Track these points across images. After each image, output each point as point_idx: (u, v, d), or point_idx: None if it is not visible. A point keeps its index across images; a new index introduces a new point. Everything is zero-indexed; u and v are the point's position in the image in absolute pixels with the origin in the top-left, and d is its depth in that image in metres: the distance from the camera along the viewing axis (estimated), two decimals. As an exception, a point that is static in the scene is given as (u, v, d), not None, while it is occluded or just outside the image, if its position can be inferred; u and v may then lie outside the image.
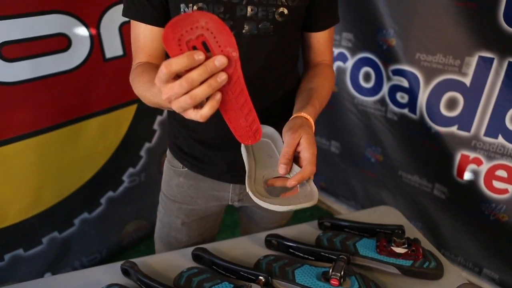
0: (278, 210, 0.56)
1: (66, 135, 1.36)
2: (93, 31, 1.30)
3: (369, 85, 1.60)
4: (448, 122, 1.36)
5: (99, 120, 1.43)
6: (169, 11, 0.69)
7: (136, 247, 1.77)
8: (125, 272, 0.74)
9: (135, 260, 0.78)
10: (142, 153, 1.65)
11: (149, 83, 0.64)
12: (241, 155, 0.79)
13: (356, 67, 1.62)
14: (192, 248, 0.78)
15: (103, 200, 1.58)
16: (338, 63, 1.69)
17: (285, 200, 0.58)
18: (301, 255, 0.77)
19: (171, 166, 0.86)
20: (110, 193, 1.60)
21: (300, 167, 0.61)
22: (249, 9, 0.66)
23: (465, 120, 1.32)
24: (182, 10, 0.66)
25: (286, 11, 0.68)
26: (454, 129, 1.35)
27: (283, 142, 0.65)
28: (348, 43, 1.61)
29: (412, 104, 1.45)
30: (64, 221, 1.49)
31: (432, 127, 1.41)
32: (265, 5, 0.67)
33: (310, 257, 0.76)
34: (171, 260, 0.79)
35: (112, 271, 0.76)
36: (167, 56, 0.78)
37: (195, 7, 0.65)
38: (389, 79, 1.50)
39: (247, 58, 0.71)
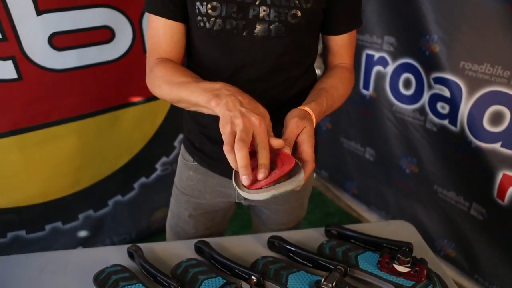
0: (260, 198, 0.56)
1: (105, 122, 1.45)
2: (136, 25, 1.37)
3: (409, 92, 1.53)
4: (491, 138, 1.26)
5: (136, 109, 1.51)
6: (187, 8, 0.71)
7: (163, 233, 1.83)
8: (131, 255, 0.78)
9: (142, 245, 0.82)
10: (176, 143, 1.71)
11: (181, 80, 0.67)
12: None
13: (397, 73, 1.55)
14: (196, 240, 0.81)
15: (136, 185, 1.67)
16: (378, 68, 1.62)
17: (269, 187, 0.56)
18: (300, 260, 0.76)
19: (183, 159, 0.89)
20: (143, 179, 1.68)
21: (299, 157, 0.60)
22: (261, 9, 0.67)
23: (510, 137, 1.21)
24: (197, 8, 0.68)
25: (299, 13, 0.67)
26: (497, 146, 1.25)
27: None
28: (389, 47, 1.54)
29: (453, 115, 1.35)
30: (99, 201, 1.59)
31: (473, 141, 1.31)
32: (277, 6, 0.66)
33: (308, 264, 0.75)
34: (175, 249, 0.82)
35: (119, 253, 0.80)
36: (186, 54, 0.80)
37: (209, 5, 0.67)
38: (430, 87, 1.42)
39: (258, 58, 0.71)
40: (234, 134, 0.55)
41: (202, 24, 0.68)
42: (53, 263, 0.79)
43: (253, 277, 0.68)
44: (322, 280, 0.65)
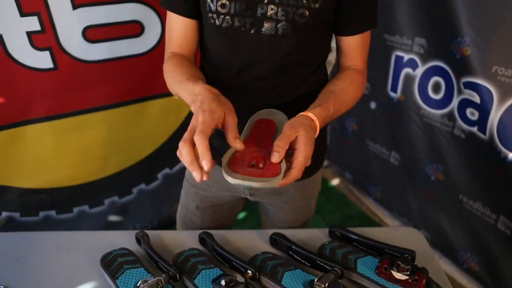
0: (231, 182, 0.58)
1: (132, 112, 1.52)
2: (164, 21, 1.41)
3: (438, 96, 1.47)
4: (523, 148, 1.19)
5: (162, 102, 1.56)
6: (200, 6, 0.73)
7: (184, 223, 1.90)
8: (138, 240, 0.82)
9: (150, 232, 0.85)
10: (200, 137, 1.75)
11: (179, 78, 0.69)
12: None
13: (426, 76, 1.49)
14: (200, 231, 0.83)
15: (159, 175, 1.73)
16: (407, 70, 1.57)
17: (251, 177, 0.58)
18: (299, 259, 0.76)
19: (194, 151, 0.91)
20: (166, 170, 1.74)
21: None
22: (270, 8, 0.67)
23: (543, 149, 1.14)
24: (207, 5, 0.69)
25: (306, 13, 0.67)
26: (528, 157, 1.18)
27: None
28: (420, 49, 1.49)
29: (482, 122, 1.29)
30: (124, 188, 1.66)
31: (502, 151, 1.24)
32: (285, 5, 0.67)
33: (306, 263, 0.75)
34: (180, 239, 0.85)
35: (129, 238, 0.84)
36: (199, 49, 0.83)
37: (219, 3, 0.68)
38: (460, 92, 1.36)
39: (265, 56, 0.72)
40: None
41: (212, 21, 0.70)
42: (68, 242, 0.84)
43: (248, 271, 0.70)
44: (316, 279, 0.65)
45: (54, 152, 1.45)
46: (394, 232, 0.87)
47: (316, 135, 0.65)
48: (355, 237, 0.79)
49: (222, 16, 0.69)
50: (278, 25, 0.68)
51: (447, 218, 1.55)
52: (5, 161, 1.38)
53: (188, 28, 0.76)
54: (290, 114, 0.81)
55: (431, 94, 1.49)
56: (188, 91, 0.65)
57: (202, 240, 0.82)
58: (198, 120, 0.56)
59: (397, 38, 1.58)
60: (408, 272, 0.67)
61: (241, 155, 0.64)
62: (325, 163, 2.29)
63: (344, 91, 0.75)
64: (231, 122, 0.60)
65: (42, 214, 1.53)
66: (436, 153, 1.53)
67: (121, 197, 1.67)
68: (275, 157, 0.59)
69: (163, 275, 0.68)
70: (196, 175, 0.55)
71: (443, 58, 1.40)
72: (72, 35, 1.30)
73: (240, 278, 0.67)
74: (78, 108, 1.42)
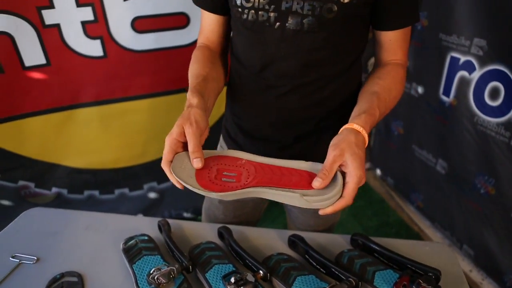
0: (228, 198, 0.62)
1: (174, 101, 1.56)
2: (209, 13, 1.43)
3: (496, 103, 1.34)
4: None
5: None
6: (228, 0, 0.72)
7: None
8: (160, 228, 0.84)
9: (173, 221, 0.87)
10: (238, 130, 1.76)
11: (190, 76, 0.73)
12: (272, 151, 0.79)
13: (483, 80, 1.37)
14: (220, 225, 0.83)
15: (197, 165, 1.76)
16: (463, 73, 1.45)
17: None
18: (314, 264, 0.74)
19: (220, 146, 0.91)
20: (204, 160, 1.77)
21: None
22: (295, 2, 0.64)
23: None
24: (233, 1, 0.69)
25: (335, 8, 0.64)
26: None
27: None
28: (479, 51, 1.36)
29: (544, 135, 1.16)
30: (162, 175, 1.70)
31: None
32: None
33: (321, 270, 0.72)
34: (201, 230, 0.86)
35: (153, 224, 0.87)
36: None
37: None
38: (521, 100, 1.23)
39: (289, 53, 0.70)
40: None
41: (238, 15, 0.70)
42: (97, 223, 0.89)
43: (260, 271, 0.69)
44: (327, 288, 0.63)
45: (100, 135, 1.53)
46: (423, 246, 0.81)
47: (366, 146, 0.62)
48: (377, 247, 0.74)
49: (247, 10, 0.68)
50: (303, 20, 0.66)
51: (495, 236, 1.42)
52: (56, 140, 1.49)
53: (214, 23, 0.77)
54: (315, 118, 0.78)
55: (487, 100, 1.37)
56: (188, 94, 0.68)
57: (220, 235, 0.82)
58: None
59: (453, 38, 1.46)
60: (429, 293, 0.62)
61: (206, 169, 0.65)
62: (367, 165, 2.20)
63: (388, 91, 0.71)
64: (188, 138, 0.62)
65: (86, 193, 1.63)
66: (488, 164, 1.40)
67: (160, 183, 1.74)
68: (318, 183, 0.58)
69: (176, 265, 0.69)
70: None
71: (505, 61, 1.27)
72: (122, 25, 1.36)
73: (250, 278, 0.66)
74: (124, 95, 1.48)
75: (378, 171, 2.15)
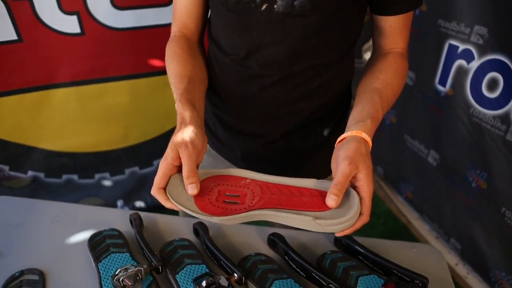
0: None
1: (156, 84, 1.48)
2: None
3: (493, 95, 1.28)
4: None
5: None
6: None
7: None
8: (131, 222, 0.78)
9: (147, 215, 0.82)
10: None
11: (172, 74, 0.67)
12: (255, 146, 0.73)
13: (482, 71, 1.31)
14: (196, 221, 0.78)
15: (181, 151, 1.70)
16: (460, 62, 1.39)
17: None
18: (294, 266, 0.69)
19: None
20: (188, 146, 1.70)
21: None
22: None
23: None
24: None
25: None
26: None
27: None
28: (479, 39, 1.30)
29: (541, 130, 1.11)
30: (145, 160, 1.66)
31: (561, 166, 1.07)
32: None
33: (301, 273, 0.67)
34: (175, 225, 0.80)
35: (125, 217, 0.81)
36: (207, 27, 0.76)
37: None
38: (519, 92, 1.18)
39: (277, 39, 0.62)
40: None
41: None
42: (65, 215, 0.82)
43: (235, 274, 0.63)
44: (305, 296, 0.58)
45: (78, 117, 1.46)
46: (411, 249, 0.76)
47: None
48: (361, 250, 0.70)
49: None
50: (294, 2, 0.58)
51: (483, 231, 1.40)
52: (32, 122, 1.41)
53: (188, 5, 0.69)
54: (304, 111, 0.71)
55: (485, 91, 1.31)
56: (178, 106, 0.61)
57: (195, 231, 0.77)
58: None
59: (453, 25, 1.39)
60: (414, 303, 0.58)
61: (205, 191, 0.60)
62: (358, 154, 2.16)
63: (389, 86, 0.65)
64: (183, 161, 0.56)
65: (65, 177, 1.57)
66: (481, 158, 1.36)
67: (142, 168, 1.67)
68: (333, 201, 0.52)
69: (145, 266, 0.63)
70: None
71: (506, 51, 1.20)
72: (100, 1, 1.26)
73: (223, 281, 0.61)
74: (103, 76, 1.40)
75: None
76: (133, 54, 1.40)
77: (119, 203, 1.68)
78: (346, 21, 0.64)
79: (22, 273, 0.67)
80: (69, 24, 1.27)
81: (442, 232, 1.60)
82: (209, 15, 0.74)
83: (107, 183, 1.64)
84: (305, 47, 0.63)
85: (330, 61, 0.67)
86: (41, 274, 0.68)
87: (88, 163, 1.56)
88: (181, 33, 0.72)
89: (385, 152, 1.94)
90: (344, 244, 0.73)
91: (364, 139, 0.57)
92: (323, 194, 0.55)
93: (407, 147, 1.74)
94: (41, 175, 1.53)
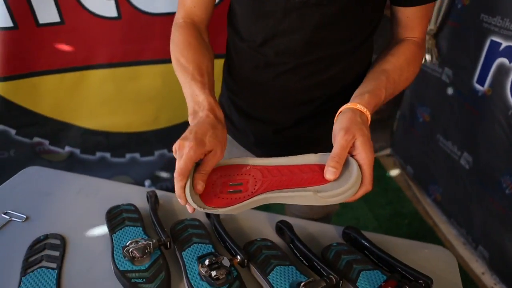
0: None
1: (188, 70, 1.51)
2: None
3: (535, 97, 1.21)
4: None
5: (220, 62, 1.53)
6: None
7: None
8: (148, 199, 0.82)
9: (161, 193, 0.85)
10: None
11: (189, 64, 0.66)
12: (267, 132, 0.74)
13: (525, 70, 1.23)
14: (209, 203, 0.80)
15: (208, 136, 1.74)
16: (502, 60, 1.31)
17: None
18: (298, 255, 0.69)
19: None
20: (215, 132, 1.74)
21: None
22: None
23: None
24: None
25: None
26: None
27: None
28: (523, 36, 1.22)
29: None
30: (173, 143, 1.71)
31: None
32: None
33: (304, 261, 0.68)
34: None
35: (142, 195, 0.85)
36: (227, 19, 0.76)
37: None
38: None
39: (292, 28, 0.63)
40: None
41: None
42: (89, 188, 0.88)
43: (238, 257, 0.65)
44: (302, 283, 0.58)
45: (113, 98, 1.52)
46: (421, 249, 0.74)
47: (369, 129, 0.56)
48: (368, 244, 0.69)
49: None
50: None
51: (514, 240, 1.33)
52: (70, 100, 1.50)
53: None
54: (319, 99, 0.71)
55: (526, 92, 1.23)
56: (189, 90, 0.62)
57: (207, 213, 0.79)
58: (183, 150, 0.54)
59: (497, 20, 1.31)
60: (414, 302, 0.57)
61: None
62: (388, 151, 2.10)
63: (399, 70, 0.64)
64: (210, 162, 0.56)
65: (98, 154, 1.65)
66: (517, 163, 1.29)
67: (170, 151, 1.72)
68: (331, 174, 0.52)
69: (154, 240, 0.67)
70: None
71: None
72: (137, -15, 1.31)
73: (226, 262, 0.63)
74: (137, 59, 1.45)
75: (398, 159, 2.05)
76: (167, 39, 1.42)
77: (147, 183, 1.75)
78: (362, 12, 0.63)
79: (46, 237, 0.73)
80: (107, 8, 1.33)
81: (470, 239, 1.53)
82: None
83: (137, 162, 1.71)
84: (320, 37, 0.63)
85: (345, 51, 0.66)
86: (63, 239, 0.73)
87: (120, 142, 1.64)
88: (189, 19, 0.72)
89: (416, 151, 1.87)
90: (352, 237, 0.73)
91: (359, 110, 0.56)
92: (323, 168, 0.55)
93: (439, 147, 1.67)
94: (77, 151, 1.62)
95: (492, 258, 1.44)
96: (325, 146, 0.79)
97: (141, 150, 1.69)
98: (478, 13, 1.37)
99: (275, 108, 0.73)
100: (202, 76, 0.64)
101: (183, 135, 0.57)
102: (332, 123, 0.77)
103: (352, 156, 0.55)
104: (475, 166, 1.48)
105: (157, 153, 1.71)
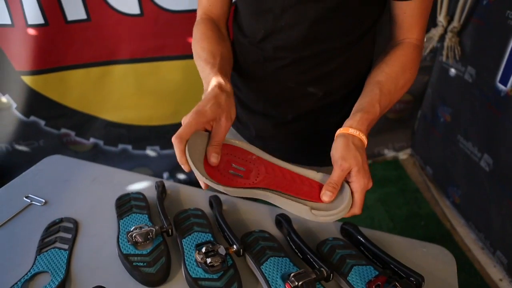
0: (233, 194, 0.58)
1: (206, 66, 1.55)
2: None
3: (560, 98, 1.15)
4: None
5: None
6: None
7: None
8: (156, 188, 0.86)
9: (169, 184, 0.89)
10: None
11: (203, 52, 0.69)
12: (267, 126, 0.75)
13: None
14: (212, 194, 0.83)
15: (227, 131, 1.78)
16: (527, 58, 1.26)
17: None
18: (293, 247, 0.71)
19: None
20: (234, 127, 1.77)
21: None
22: None
23: None
24: None
25: None
26: None
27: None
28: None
29: None
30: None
31: None
32: None
33: (299, 254, 0.70)
34: (195, 197, 0.87)
35: (152, 185, 0.89)
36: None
37: None
38: None
39: (289, 24, 0.64)
40: None
41: None
42: (104, 176, 0.93)
43: (234, 246, 0.68)
44: (292, 274, 0.60)
45: (134, 92, 1.59)
46: (419, 248, 0.74)
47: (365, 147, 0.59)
48: (363, 240, 0.70)
49: None
50: None
51: (534, 247, 1.28)
52: (95, 94, 1.58)
53: None
54: (315, 94, 0.72)
55: (551, 93, 1.18)
56: (204, 74, 0.65)
57: (211, 203, 0.82)
58: (183, 121, 0.58)
59: (523, 17, 1.26)
60: (401, 298, 0.57)
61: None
62: (408, 151, 2.06)
63: (394, 80, 0.64)
64: (218, 132, 0.58)
65: (120, 146, 1.73)
66: (539, 167, 1.24)
67: (189, 145, 1.77)
68: (327, 197, 0.56)
69: (156, 227, 0.71)
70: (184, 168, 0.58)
71: None
72: (158, -17, 1.36)
73: (222, 250, 0.66)
74: (158, 55, 1.51)
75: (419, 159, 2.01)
76: (187, 36, 1.48)
77: (165, 175, 1.81)
78: (359, 7, 0.63)
79: (61, 220, 0.79)
80: (130, 5, 1.39)
81: (488, 244, 1.48)
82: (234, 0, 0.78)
83: (156, 155, 1.77)
84: (316, 32, 0.64)
85: (342, 46, 0.67)
86: (76, 223, 0.78)
87: (141, 135, 1.71)
88: (207, 16, 0.76)
89: (436, 152, 1.83)
90: (349, 233, 0.74)
91: (352, 135, 0.58)
92: (321, 187, 0.59)
93: (460, 148, 1.63)
94: (101, 142, 1.70)
95: (511, 264, 1.39)
96: (325, 143, 0.81)
97: (161, 143, 1.75)
98: (504, 10, 1.32)
99: (274, 102, 0.75)
100: (214, 58, 0.67)
101: None
102: (332, 119, 0.79)
103: (348, 182, 0.58)
104: (496, 168, 1.43)
105: (176, 146, 1.76)
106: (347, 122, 0.60)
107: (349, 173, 0.57)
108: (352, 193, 0.57)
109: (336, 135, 0.60)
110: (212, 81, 0.62)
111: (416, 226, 1.66)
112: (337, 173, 0.56)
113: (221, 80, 0.61)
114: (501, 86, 1.37)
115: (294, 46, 0.66)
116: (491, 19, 1.39)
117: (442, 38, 1.62)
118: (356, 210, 0.56)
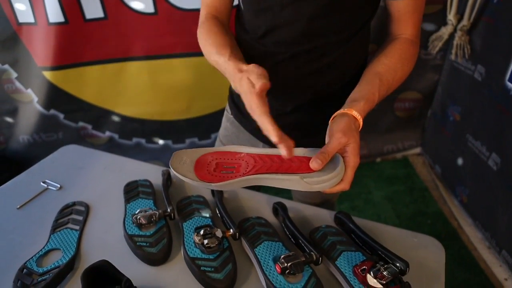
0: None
1: (217, 63, 1.60)
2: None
3: None
4: None
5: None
6: None
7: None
8: (162, 175, 0.91)
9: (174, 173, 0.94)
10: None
11: (213, 47, 0.72)
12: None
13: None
14: (215, 183, 0.88)
15: (237, 127, 1.82)
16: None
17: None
18: (287, 233, 0.75)
19: (226, 110, 0.94)
20: (244, 123, 1.82)
21: None
22: None
23: None
24: None
25: None
26: None
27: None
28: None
29: None
30: (204, 132, 1.82)
31: None
32: None
33: (292, 239, 0.73)
34: (198, 186, 0.91)
35: (157, 173, 0.94)
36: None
37: None
38: None
39: (288, 20, 0.68)
40: None
41: None
42: (115, 165, 0.99)
43: (231, 230, 0.72)
44: (282, 256, 0.64)
45: (148, 88, 1.65)
46: (411, 238, 0.76)
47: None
48: (354, 228, 0.73)
49: None
50: None
51: (540, 246, 1.27)
52: (111, 89, 1.65)
53: None
54: (311, 87, 0.75)
55: (558, 92, 1.18)
56: (222, 68, 0.68)
57: (212, 191, 0.87)
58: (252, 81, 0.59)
59: (533, 15, 1.25)
60: (385, 282, 0.60)
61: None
62: (418, 150, 2.06)
63: (393, 71, 0.67)
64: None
65: (134, 140, 1.80)
66: (546, 166, 1.23)
67: (200, 140, 1.83)
68: (316, 164, 0.57)
69: (160, 211, 0.75)
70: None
71: None
72: (172, -17, 1.41)
73: (219, 233, 0.70)
74: (171, 52, 1.57)
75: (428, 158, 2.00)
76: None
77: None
78: (353, 5, 0.67)
79: (74, 203, 0.85)
80: (146, 4, 1.45)
81: (494, 243, 1.47)
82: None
83: (169, 149, 1.84)
84: (314, 27, 0.67)
85: (339, 40, 0.70)
86: (87, 206, 0.84)
87: (154, 130, 1.77)
88: (212, 15, 0.80)
89: (445, 151, 1.82)
90: (342, 221, 0.77)
91: (355, 117, 0.61)
92: (310, 160, 0.60)
93: (468, 147, 1.62)
94: (116, 136, 1.78)
95: (517, 264, 1.38)
96: (323, 133, 0.84)
97: (173, 138, 1.81)
98: (514, 8, 1.32)
99: (274, 95, 0.78)
100: (225, 49, 0.70)
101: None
102: (329, 111, 0.81)
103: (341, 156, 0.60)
104: (503, 168, 1.43)
105: (188, 140, 1.82)
106: (352, 105, 0.63)
107: (343, 149, 0.59)
108: (345, 167, 0.59)
109: (338, 113, 0.63)
110: (233, 68, 0.64)
111: (422, 224, 1.67)
112: (332, 144, 0.58)
113: (239, 65, 0.64)
114: (510, 85, 1.36)
115: (292, 41, 0.70)
116: (502, 17, 1.39)
117: (452, 36, 1.62)
118: (346, 185, 0.58)
